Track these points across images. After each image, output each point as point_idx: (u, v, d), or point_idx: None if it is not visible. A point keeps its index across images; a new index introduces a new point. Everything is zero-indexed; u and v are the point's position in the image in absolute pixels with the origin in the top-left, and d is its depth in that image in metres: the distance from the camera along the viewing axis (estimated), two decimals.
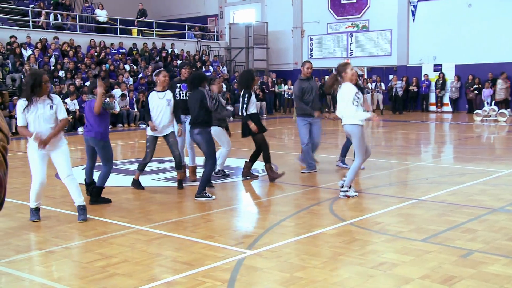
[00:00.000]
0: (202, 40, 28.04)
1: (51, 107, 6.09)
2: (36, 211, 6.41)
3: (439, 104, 24.60)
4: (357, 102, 6.61)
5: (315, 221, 6.22)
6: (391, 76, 25.32)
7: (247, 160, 8.47)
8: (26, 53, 20.28)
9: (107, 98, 7.19)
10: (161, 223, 6.23)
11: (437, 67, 24.64)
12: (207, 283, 4.34)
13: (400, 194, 7.50)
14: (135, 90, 20.80)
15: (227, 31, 29.20)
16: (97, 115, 6.94)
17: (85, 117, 7.19)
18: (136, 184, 8.09)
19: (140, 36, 26.04)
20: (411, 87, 24.86)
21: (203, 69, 25.01)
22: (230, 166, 9.60)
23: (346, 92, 6.63)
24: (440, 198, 7.16)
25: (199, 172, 8.48)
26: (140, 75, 22.21)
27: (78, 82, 19.50)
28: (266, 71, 28.48)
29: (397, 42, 25.19)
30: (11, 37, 20.74)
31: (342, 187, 6.99)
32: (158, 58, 24.43)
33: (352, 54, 26.95)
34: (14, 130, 14.51)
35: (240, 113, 8.39)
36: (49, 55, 20.92)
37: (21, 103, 6.14)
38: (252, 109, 8.18)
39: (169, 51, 25.39)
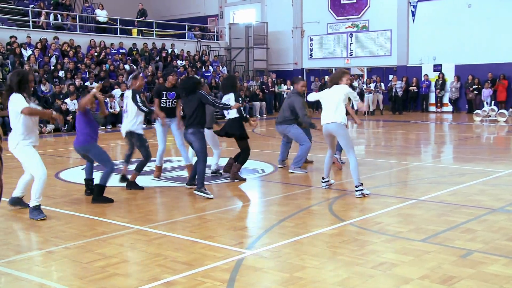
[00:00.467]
0: (202, 40, 27.93)
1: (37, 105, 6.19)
2: (39, 208, 6.41)
3: (439, 104, 24.50)
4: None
5: (315, 221, 6.21)
6: (391, 76, 25.21)
7: (235, 162, 8.55)
8: (26, 53, 20.25)
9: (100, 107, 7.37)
10: (160, 223, 6.22)
11: (437, 67, 24.59)
12: (207, 283, 4.34)
13: (399, 194, 7.49)
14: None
15: (227, 31, 29.02)
16: (80, 115, 7.08)
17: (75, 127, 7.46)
18: (133, 185, 8.08)
19: (140, 36, 25.98)
20: (411, 87, 24.75)
21: (203, 69, 24.98)
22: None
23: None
24: (440, 198, 7.15)
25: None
26: (140, 75, 22.01)
27: (78, 82, 19.48)
28: (266, 71, 28.46)
29: (397, 42, 25.13)
30: (11, 37, 20.71)
31: (357, 187, 7.09)
32: (158, 58, 24.38)
33: (352, 54, 26.88)
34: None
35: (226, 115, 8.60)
36: (49, 55, 20.91)
37: (20, 96, 6.17)
38: (233, 112, 8.33)
39: (169, 51, 25.26)
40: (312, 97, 7.58)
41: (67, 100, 18.17)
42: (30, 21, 22.48)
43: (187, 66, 24.13)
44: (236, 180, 8.45)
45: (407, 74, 24.96)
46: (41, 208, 6.60)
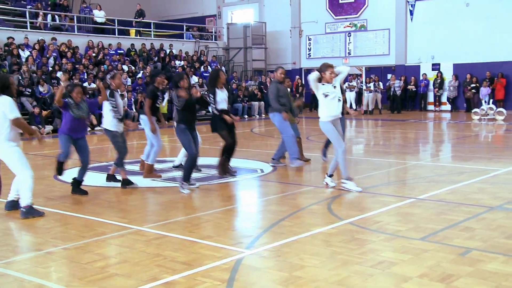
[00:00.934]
0: (200, 41, 27.88)
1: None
2: (33, 207, 6.45)
3: (437, 103, 24.42)
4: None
5: (314, 220, 6.21)
6: (389, 76, 25.24)
7: (223, 157, 8.68)
8: (24, 54, 20.19)
9: (81, 104, 7.56)
10: (160, 223, 6.21)
11: (435, 66, 24.53)
12: (206, 283, 4.33)
13: (398, 193, 7.47)
14: (133, 90, 20.64)
15: (225, 31, 28.99)
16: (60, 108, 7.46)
17: None
18: (126, 182, 8.19)
19: (138, 37, 25.89)
20: (409, 86, 24.72)
21: (202, 70, 24.88)
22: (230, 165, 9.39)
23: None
24: (439, 196, 7.14)
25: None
26: (139, 75, 22.03)
27: (76, 83, 19.27)
28: (265, 71, 28.35)
29: (395, 42, 25.07)
30: (8, 38, 20.65)
31: (346, 179, 7.30)
32: (156, 58, 24.33)
33: (350, 54, 26.79)
34: None
35: (211, 111, 8.74)
36: (47, 56, 20.86)
37: (11, 100, 6.21)
38: (222, 105, 8.47)
39: (167, 51, 25.18)
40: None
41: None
42: (28, 22, 22.44)
43: (185, 66, 24.08)
44: (226, 175, 8.59)
45: (405, 73, 24.94)
46: (41, 209, 6.59)
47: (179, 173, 8.26)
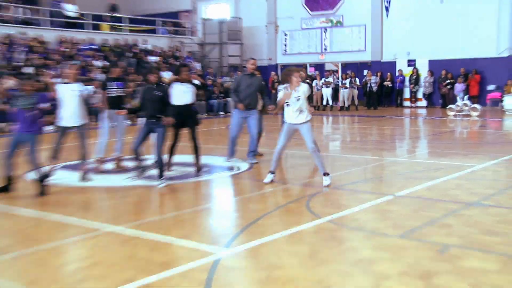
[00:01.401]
0: (175, 36, 27.33)
1: None
2: None
3: (413, 99, 24.41)
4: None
5: (292, 218, 6.15)
6: (365, 72, 25.04)
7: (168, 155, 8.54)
8: None
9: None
10: (135, 223, 6.08)
11: (411, 63, 24.48)
12: (184, 284, 4.25)
13: (376, 190, 7.51)
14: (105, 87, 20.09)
15: (200, 26, 28.23)
16: None
17: None
18: (83, 177, 8.21)
19: (112, 32, 25.28)
20: (385, 83, 24.67)
21: None
22: (204, 163, 9.36)
23: None
24: (416, 193, 7.14)
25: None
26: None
27: (47, 78, 18.62)
28: (240, 67, 27.26)
29: (371, 38, 24.96)
30: None
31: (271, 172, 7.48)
32: (130, 54, 23.73)
33: (326, 50, 26.67)
34: None
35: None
36: (16, 50, 20.28)
37: None
38: (178, 100, 8.19)
39: (141, 47, 24.48)
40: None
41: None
42: None
43: (160, 62, 23.42)
44: (200, 173, 8.55)
45: (381, 69, 24.91)
46: (8, 209, 6.46)
47: (152, 171, 8.08)
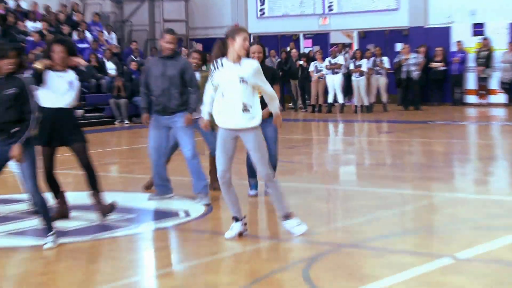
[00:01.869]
0: None
1: None
2: None
3: (483, 92, 19.77)
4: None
5: None
6: (399, 46, 20.24)
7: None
8: None
9: None
10: None
11: (478, 29, 19.65)
12: None
13: (423, 249, 6.23)
14: None
15: None
16: None
17: None
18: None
19: None
20: (433, 64, 19.76)
21: (75, 38, 18.99)
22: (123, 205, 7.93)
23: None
24: (492, 255, 5.84)
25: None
26: None
27: None
28: (186, 39, 22.85)
29: None
30: None
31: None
32: None
33: (332, 10, 21.63)
34: None
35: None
36: None
37: None
38: (47, 102, 7.09)
39: (12, 5, 19.42)
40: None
41: None
42: None
43: (44, 31, 18.11)
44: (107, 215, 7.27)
45: (427, 42, 19.97)
46: None
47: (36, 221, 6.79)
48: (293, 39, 21.55)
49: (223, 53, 5.70)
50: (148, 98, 7.68)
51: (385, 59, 18.92)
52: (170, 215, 7.38)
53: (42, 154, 6.61)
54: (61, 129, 6.71)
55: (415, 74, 18.71)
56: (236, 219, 6.14)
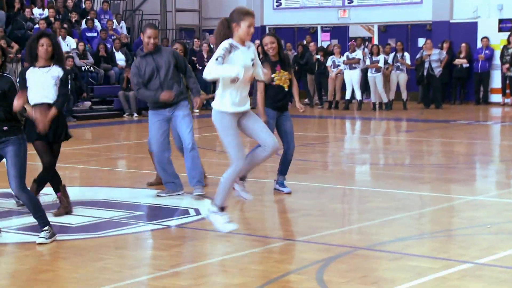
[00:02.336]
0: None
1: None
2: None
3: (508, 91, 19.24)
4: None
5: None
6: (421, 41, 19.74)
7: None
8: None
9: None
10: None
11: (505, 24, 19.22)
12: None
13: (441, 254, 6.05)
14: None
15: None
16: None
17: None
18: None
19: None
20: (457, 61, 19.33)
21: (83, 26, 18.68)
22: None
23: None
24: None
25: None
26: None
27: None
28: (199, 30, 22.39)
29: None
30: None
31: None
32: None
33: (352, 2, 21.34)
34: None
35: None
36: None
37: None
38: (36, 96, 7.15)
39: None
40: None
41: None
42: None
43: (51, 20, 17.47)
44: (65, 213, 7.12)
45: (451, 38, 19.68)
46: None
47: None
48: (310, 32, 21.28)
49: (227, 35, 5.56)
50: (146, 91, 7.58)
51: (407, 55, 18.56)
52: (180, 213, 7.39)
53: (37, 150, 6.62)
54: (50, 125, 6.71)
55: (437, 71, 18.25)
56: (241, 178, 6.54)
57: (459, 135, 14.20)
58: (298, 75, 18.30)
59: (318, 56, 17.44)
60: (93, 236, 6.26)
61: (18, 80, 6.74)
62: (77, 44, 16.52)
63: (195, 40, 19.71)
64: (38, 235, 5.75)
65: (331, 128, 16.03)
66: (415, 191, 8.86)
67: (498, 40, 18.90)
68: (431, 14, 19.94)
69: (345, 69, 18.34)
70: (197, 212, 7.20)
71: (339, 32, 22.17)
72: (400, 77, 18.19)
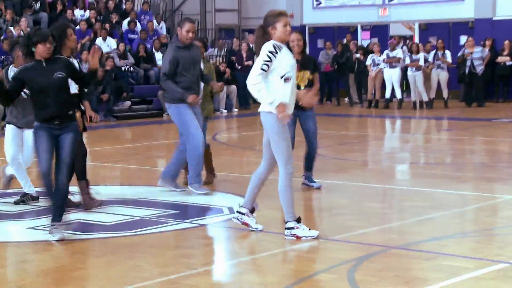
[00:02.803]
0: None
1: None
2: None
3: None
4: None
5: None
6: (463, 39, 19.57)
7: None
8: None
9: None
10: None
11: None
12: None
13: (479, 254, 6.02)
14: None
15: None
16: None
17: None
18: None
19: None
20: (500, 58, 19.00)
21: (125, 27, 18.88)
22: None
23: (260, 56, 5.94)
24: None
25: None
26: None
27: None
28: (238, 30, 22.33)
29: None
30: None
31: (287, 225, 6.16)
32: (38, 5, 18.01)
33: (392, 1, 21.14)
34: None
35: None
36: None
37: None
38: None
39: None
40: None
41: None
42: None
43: (92, 21, 17.91)
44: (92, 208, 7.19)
45: (493, 35, 19.41)
46: None
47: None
48: (350, 31, 21.18)
49: (264, 42, 5.60)
50: (177, 86, 7.46)
51: (448, 53, 18.32)
52: (214, 212, 7.42)
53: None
54: None
55: (480, 69, 18.20)
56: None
57: (501, 134, 14.11)
58: (337, 74, 18.26)
59: (358, 55, 17.26)
60: (127, 234, 6.28)
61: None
62: (118, 45, 16.62)
63: (235, 39, 19.82)
64: (49, 228, 5.71)
65: (371, 127, 16.00)
66: (454, 190, 8.84)
67: None
68: (473, 12, 19.76)
69: (384, 67, 18.16)
70: (231, 210, 7.16)
71: (379, 30, 22.06)
72: (441, 76, 18.06)
